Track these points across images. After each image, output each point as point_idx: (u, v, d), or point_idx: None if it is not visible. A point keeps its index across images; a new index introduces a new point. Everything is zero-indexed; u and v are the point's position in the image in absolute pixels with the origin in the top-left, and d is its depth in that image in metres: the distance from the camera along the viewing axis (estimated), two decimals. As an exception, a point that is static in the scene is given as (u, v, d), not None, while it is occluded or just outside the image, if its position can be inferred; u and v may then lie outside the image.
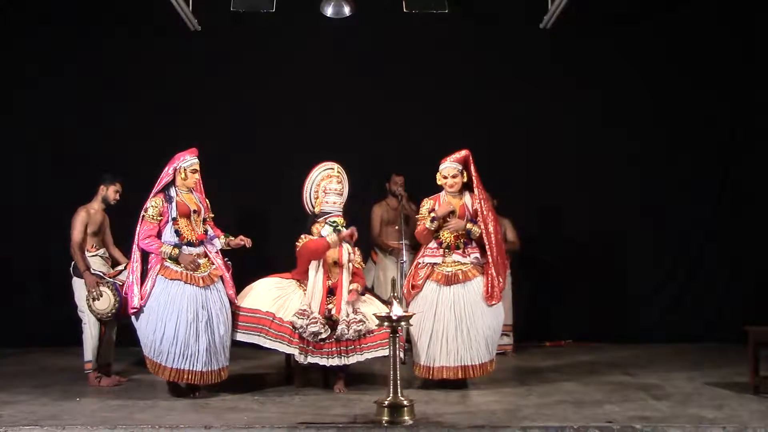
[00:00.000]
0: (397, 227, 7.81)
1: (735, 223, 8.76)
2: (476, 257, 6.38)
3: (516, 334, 8.16)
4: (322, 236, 6.31)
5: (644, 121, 8.86)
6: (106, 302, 6.35)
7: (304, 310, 6.14)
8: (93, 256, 6.64)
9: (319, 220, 6.40)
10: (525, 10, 8.42)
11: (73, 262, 6.59)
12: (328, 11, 8.23)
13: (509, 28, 8.82)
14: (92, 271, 6.48)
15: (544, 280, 8.81)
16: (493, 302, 6.29)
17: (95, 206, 6.68)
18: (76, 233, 6.53)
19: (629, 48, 8.86)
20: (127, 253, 6.53)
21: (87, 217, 6.60)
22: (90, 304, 6.39)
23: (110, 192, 6.68)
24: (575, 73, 8.85)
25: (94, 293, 6.35)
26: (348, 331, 6.10)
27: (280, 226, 8.19)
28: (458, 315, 6.27)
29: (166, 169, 6.13)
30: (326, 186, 6.45)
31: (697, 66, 8.81)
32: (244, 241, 6.35)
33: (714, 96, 8.79)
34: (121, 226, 6.82)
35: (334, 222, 6.35)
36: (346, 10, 8.19)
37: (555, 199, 8.88)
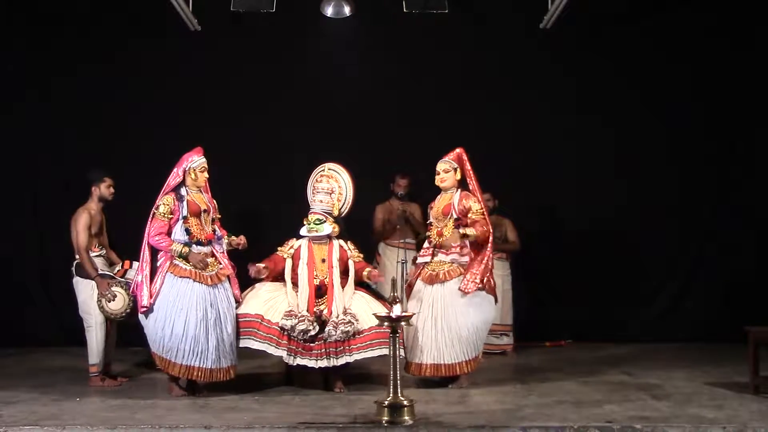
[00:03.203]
0: (398, 227, 7.84)
1: (735, 224, 8.75)
2: (453, 258, 6.43)
3: (516, 334, 8.18)
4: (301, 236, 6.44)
5: (644, 121, 8.85)
6: (120, 302, 6.37)
7: (291, 310, 6.16)
8: (96, 256, 6.61)
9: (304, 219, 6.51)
10: (525, 10, 8.41)
11: (75, 262, 6.58)
12: (328, 11, 8.23)
13: (509, 28, 8.81)
14: (101, 272, 6.48)
15: (544, 280, 8.81)
16: (467, 291, 6.28)
17: (94, 207, 6.66)
18: (82, 236, 6.50)
19: (629, 48, 8.85)
20: (123, 254, 6.56)
21: (89, 218, 6.57)
22: (103, 306, 6.39)
23: (103, 189, 6.65)
24: (575, 73, 8.84)
25: (108, 295, 6.36)
26: (335, 331, 6.11)
27: (279, 227, 8.17)
28: (435, 313, 6.35)
29: (175, 170, 6.19)
30: (316, 185, 6.59)
31: (697, 65, 8.80)
32: (241, 241, 6.40)
33: (714, 95, 8.78)
34: (119, 225, 6.83)
35: (307, 219, 6.44)
36: (346, 10, 8.19)
37: (555, 199, 8.88)
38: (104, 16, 8.65)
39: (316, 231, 6.41)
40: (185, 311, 5.97)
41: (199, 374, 6.02)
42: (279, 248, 6.52)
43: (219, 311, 6.05)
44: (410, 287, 6.62)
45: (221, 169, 8.31)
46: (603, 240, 8.84)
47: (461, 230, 6.34)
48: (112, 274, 6.51)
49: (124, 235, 6.85)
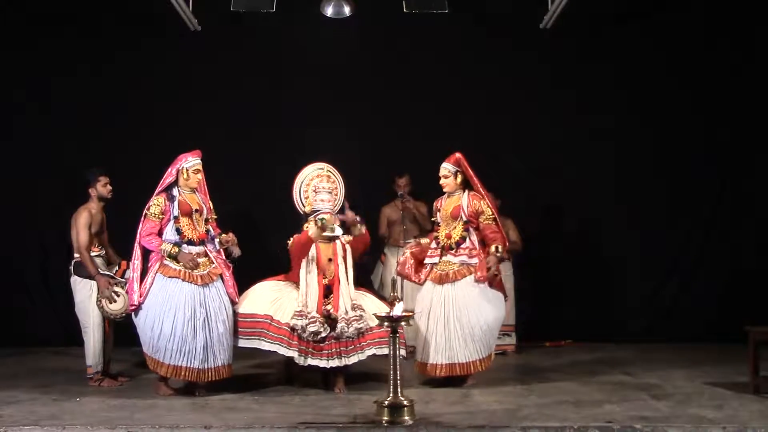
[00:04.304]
0: (405, 227, 7.84)
1: (735, 224, 8.75)
2: (462, 260, 6.43)
3: (516, 334, 8.17)
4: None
5: (645, 121, 8.85)
6: (120, 303, 6.36)
7: (301, 310, 6.15)
8: (96, 256, 6.60)
9: (309, 218, 6.47)
10: (525, 10, 8.41)
11: (73, 261, 6.57)
12: (328, 11, 8.22)
13: (509, 27, 8.81)
14: (102, 272, 6.48)
15: (544, 280, 8.81)
16: (481, 279, 6.31)
17: (94, 206, 6.65)
18: (83, 235, 6.48)
19: (629, 48, 8.85)
20: (124, 254, 6.55)
21: (90, 217, 6.57)
22: (102, 306, 6.39)
23: (100, 188, 6.62)
24: (575, 73, 8.84)
25: (108, 294, 6.36)
26: (348, 329, 6.10)
27: (280, 227, 8.17)
28: (446, 313, 6.36)
29: (170, 169, 6.20)
30: (316, 185, 6.55)
31: (697, 66, 8.80)
32: (230, 239, 6.38)
33: (714, 96, 8.78)
34: (119, 226, 6.83)
35: (322, 219, 6.39)
36: (346, 10, 8.19)
37: (556, 199, 8.89)
38: (104, 16, 8.65)
39: (332, 232, 6.39)
40: (173, 311, 5.97)
41: (187, 374, 6.01)
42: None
43: (209, 311, 6.03)
44: (417, 278, 6.63)
45: (220, 168, 8.36)
46: (603, 240, 8.85)
47: (492, 252, 6.36)
48: (111, 274, 6.51)
49: (124, 235, 6.84)
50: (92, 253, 6.56)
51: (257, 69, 8.85)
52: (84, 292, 6.52)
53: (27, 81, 8.71)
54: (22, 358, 7.84)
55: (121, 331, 6.78)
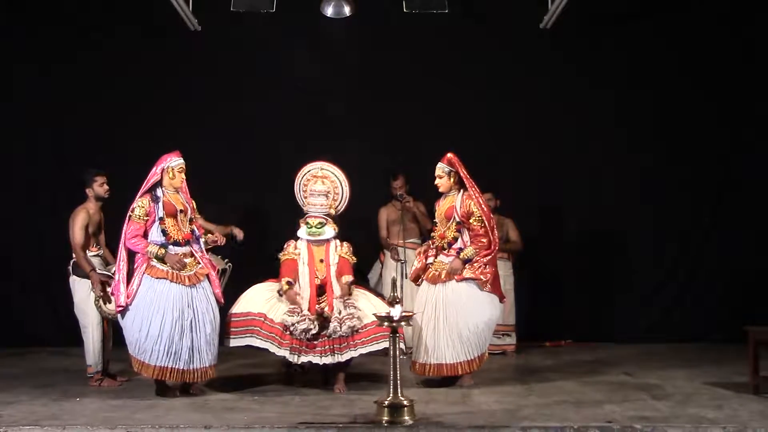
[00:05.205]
0: (404, 227, 7.84)
1: (735, 223, 8.75)
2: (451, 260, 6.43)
3: (516, 334, 8.17)
4: (299, 237, 6.40)
5: (645, 121, 8.85)
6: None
7: (294, 308, 6.14)
8: (94, 256, 6.61)
9: (302, 219, 6.48)
10: (525, 10, 8.41)
11: (72, 261, 6.58)
12: (328, 11, 8.22)
13: (509, 27, 8.81)
14: (98, 271, 6.47)
15: (544, 280, 8.81)
16: (456, 274, 6.31)
17: (92, 206, 6.65)
18: (78, 234, 6.48)
19: (629, 48, 8.85)
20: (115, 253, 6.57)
21: (87, 217, 6.57)
22: (100, 306, 6.39)
23: (96, 188, 6.62)
24: (575, 72, 8.85)
25: (99, 293, 6.35)
26: (341, 328, 6.09)
27: (280, 227, 8.18)
28: (436, 313, 6.38)
29: (154, 169, 6.17)
30: (311, 187, 6.51)
31: (697, 66, 8.81)
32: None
33: (715, 95, 8.78)
34: (118, 226, 6.82)
35: (308, 223, 6.39)
36: (346, 10, 8.19)
37: (555, 199, 8.89)
38: (104, 15, 8.65)
39: (319, 235, 6.38)
40: (162, 313, 5.95)
41: (172, 375, 6.00)
42: (284, 254, 6.43)
43: (197, 311, 6.02)
44: (417, 281, 6.65)
45: (220, 167, 8.38)
46: (603, 240, 8.85)
47: (461, 256, 6.36)
48: (109, 273, 6.51)
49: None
50: (90, 253, 6.57)
51: (257, 69, 8.85)
52: (83, 292, 6.52)
53: (26, 80, 8.71)
54: (22, 358, 7.85)
55: (120, 331, 6.77)
